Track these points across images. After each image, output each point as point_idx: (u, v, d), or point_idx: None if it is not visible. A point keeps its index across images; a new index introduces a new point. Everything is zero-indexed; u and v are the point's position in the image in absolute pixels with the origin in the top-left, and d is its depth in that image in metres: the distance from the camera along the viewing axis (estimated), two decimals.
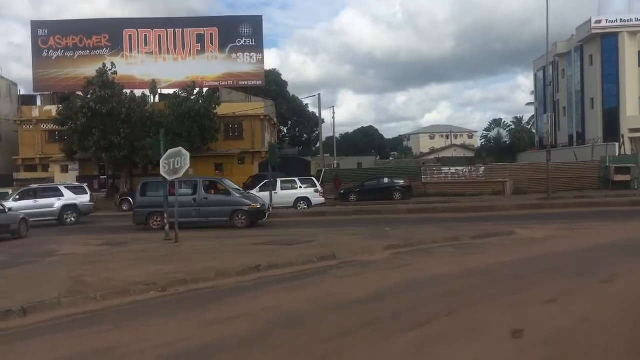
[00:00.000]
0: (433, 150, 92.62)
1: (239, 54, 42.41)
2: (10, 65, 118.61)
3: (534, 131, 65.87)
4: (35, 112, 41.05)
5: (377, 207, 26.42)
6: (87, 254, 13.10)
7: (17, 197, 23.38)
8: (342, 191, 31.82)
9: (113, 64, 36.08)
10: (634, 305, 7.30)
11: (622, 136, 45.36)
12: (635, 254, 11.21)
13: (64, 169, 39.96)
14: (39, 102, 43.05)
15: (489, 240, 13.91)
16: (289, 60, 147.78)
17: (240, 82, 42.58)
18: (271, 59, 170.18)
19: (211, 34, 42.53)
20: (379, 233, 15.40)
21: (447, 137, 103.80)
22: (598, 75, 48.48)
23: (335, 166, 54.37)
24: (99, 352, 5.82)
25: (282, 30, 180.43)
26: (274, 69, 63.43)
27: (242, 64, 42.43)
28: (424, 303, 7.53)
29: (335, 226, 18.60)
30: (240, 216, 19.43)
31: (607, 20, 47.66)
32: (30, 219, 19.78)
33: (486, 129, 79.10)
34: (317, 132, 53.93)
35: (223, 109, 38.05)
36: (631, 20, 47.20)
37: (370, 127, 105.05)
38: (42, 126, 40.50)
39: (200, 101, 36.19)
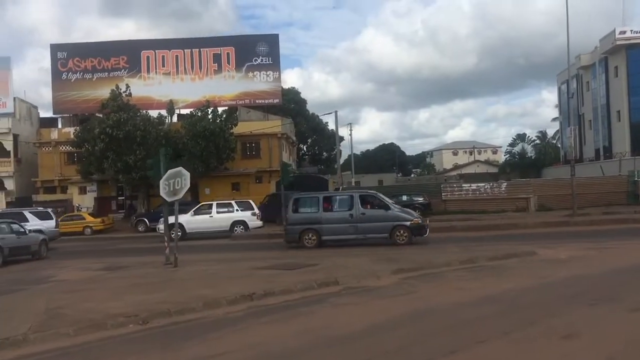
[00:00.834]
0: (456, 167, 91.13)
1: (255, 73, 42.15)
2: (42, 89, 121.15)
3: (559, 146, 64.30)
4: (54, 134, 41.28)
5: None
6: (80, 279, 12.62)
7: None
8: None
9: (127, 86, 36.04)
10: None
11: None
12: None
13: (82, 190, 40.05)
14: (59, 125, 43.40)
15: (508, 262, 13.02)
16: (311, 79, 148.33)
17: (257, 101, 42.29)
18: (294, 79, 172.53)
19: (228, 54, 42.43)
20: (389, 255, 14.59)
21: (471, 153, 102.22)
22: (624, 87, 47.03)
23: (354, 184, 53.54)
24: None
25: (305, 50, 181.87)
26: (293, 87, 63.31)
27: (258, 83, 42.16)
28: (424, 339, 6.78)
29: (344, 247, 17.86)
30: (401, 232, 17.97)
31: (632, 30, 46.37)
32: None
33: (510, 144, 77.64)
34: (336, 150, 53.27)
35: (240, 128, 37.76)
36: None
37: (392, 143, 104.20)
38: (60, 148, 40.60)
39: (218, 120, 35.93)
